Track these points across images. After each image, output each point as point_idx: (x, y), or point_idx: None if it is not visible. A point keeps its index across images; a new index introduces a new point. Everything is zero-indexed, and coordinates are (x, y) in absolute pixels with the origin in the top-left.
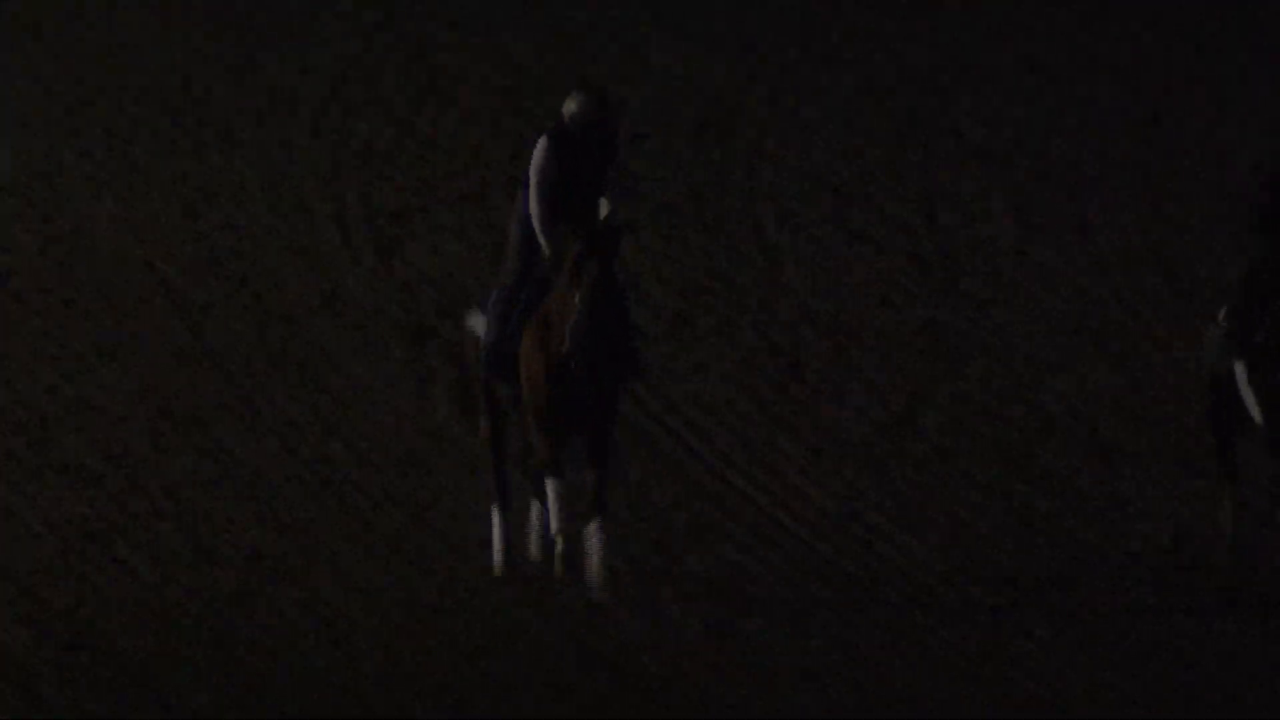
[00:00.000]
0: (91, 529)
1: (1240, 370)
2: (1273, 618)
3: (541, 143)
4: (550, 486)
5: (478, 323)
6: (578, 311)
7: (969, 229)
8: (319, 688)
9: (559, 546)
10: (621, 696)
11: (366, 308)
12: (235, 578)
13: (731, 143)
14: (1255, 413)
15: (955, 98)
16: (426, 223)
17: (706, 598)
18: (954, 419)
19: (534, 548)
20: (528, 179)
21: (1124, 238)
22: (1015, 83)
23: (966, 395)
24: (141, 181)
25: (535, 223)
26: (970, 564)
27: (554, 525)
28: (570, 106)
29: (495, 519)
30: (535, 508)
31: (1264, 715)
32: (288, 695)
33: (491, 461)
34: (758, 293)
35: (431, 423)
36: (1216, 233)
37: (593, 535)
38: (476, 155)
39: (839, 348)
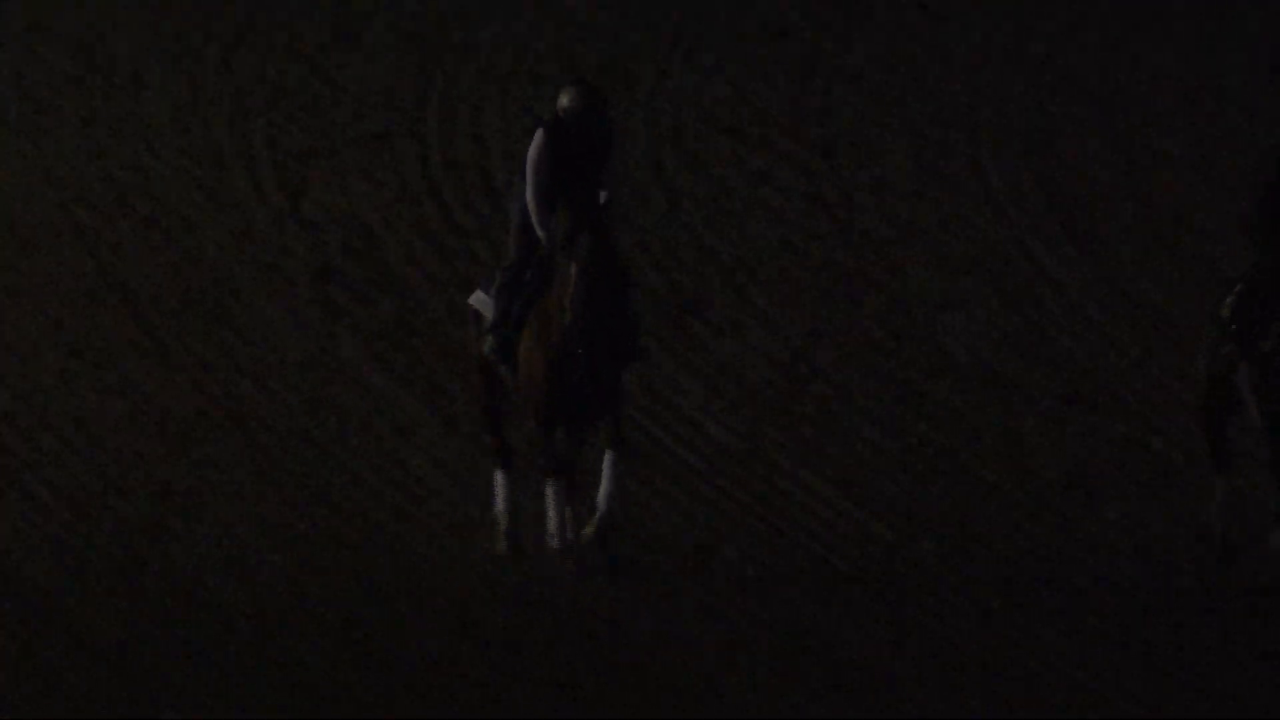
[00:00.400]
0: (2, 464)
1: (1245, 375)
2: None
3: (537, 137)
4: (549, 487)
5: (480, 301)
6: (574, 284)
7: (867, 170)
8: (227, 620)
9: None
10: (515, 621)
11: (274, 247)
12: (146, 512)
13: (633, 86)
14: (1257, 416)
15: (853, 41)
16: (333, 164)
17: (616, 535)
18: (852, 357)
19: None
20: (524, 172)
21: (1018, 178)
22: (912, 26)
23: (864, 333)
24: (51, 122)
25: (532, 216)
26: (868, 498)
27: (551, 526)
28: (563, 100)
29: (498, 477)
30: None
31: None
32: (196, 628)
33: (492, 423)
34: (659, 233)
35: (338, 360)
36: (1107, 173)
37: (608, 465)
38: (383, 97)
39: (739, 287)
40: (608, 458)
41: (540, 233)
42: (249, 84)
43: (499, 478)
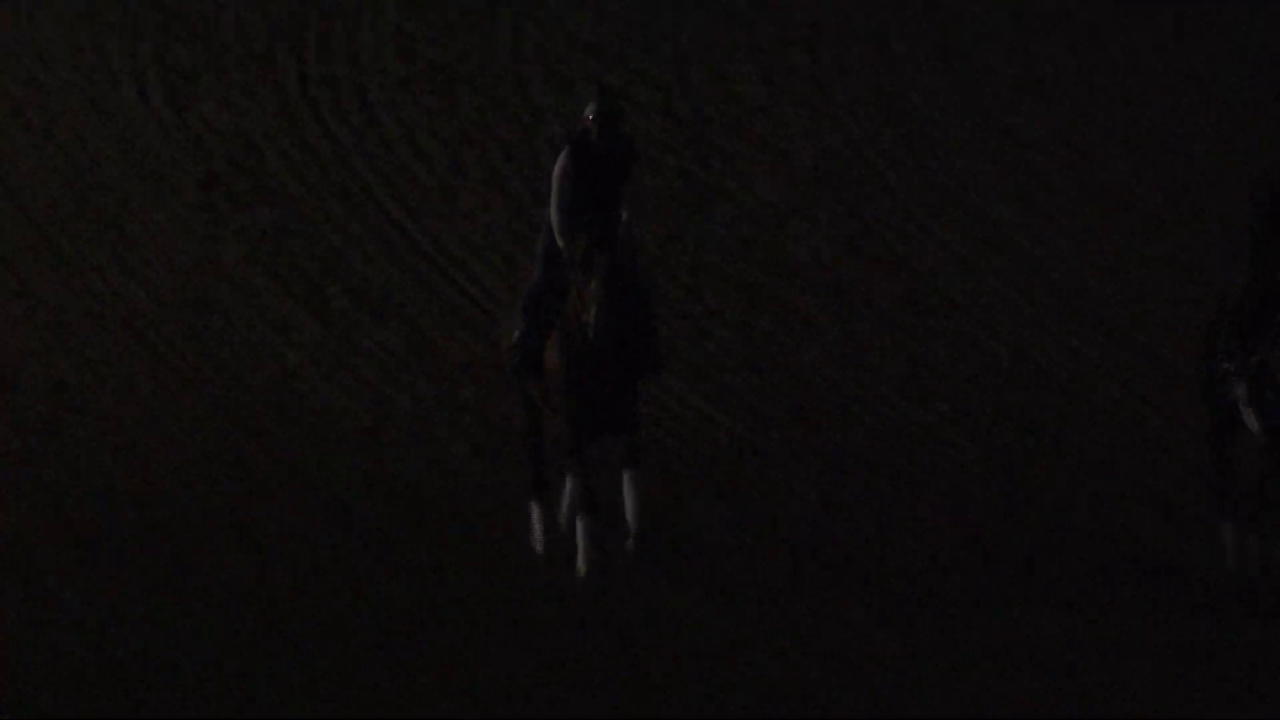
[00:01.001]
0: None
1: (1241, 390)
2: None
3: (563, 154)
4: (569, 484)
5: (511, 325)
6: (596, 297)
7: (718, 86)
8: (118, 508)
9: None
10: (377, 510)
11: (162, 158)
12: (41, 408)
13: (499, 7)
14: (1255, 428)
15: None
16: (218, 80)
17: (482, 430)
18: (703, 261)
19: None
20: (552, 188)
21: (858, 92)
22: None
23: (715, 239)
24: None
25: (555, 228)
26: (717, 394)
27: (563, 519)
28: (589, 115)
29: (533, 509)
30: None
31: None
32: (88, 516)
33: (529, 454)
34: (523, 146)
35: (221, 265)
36: (941, 88)
37: (628, 485)
38: (265, 17)
39: None
40: (627, 477)
41: (561, 243)
42: (139, 5)
43: (534, 510)
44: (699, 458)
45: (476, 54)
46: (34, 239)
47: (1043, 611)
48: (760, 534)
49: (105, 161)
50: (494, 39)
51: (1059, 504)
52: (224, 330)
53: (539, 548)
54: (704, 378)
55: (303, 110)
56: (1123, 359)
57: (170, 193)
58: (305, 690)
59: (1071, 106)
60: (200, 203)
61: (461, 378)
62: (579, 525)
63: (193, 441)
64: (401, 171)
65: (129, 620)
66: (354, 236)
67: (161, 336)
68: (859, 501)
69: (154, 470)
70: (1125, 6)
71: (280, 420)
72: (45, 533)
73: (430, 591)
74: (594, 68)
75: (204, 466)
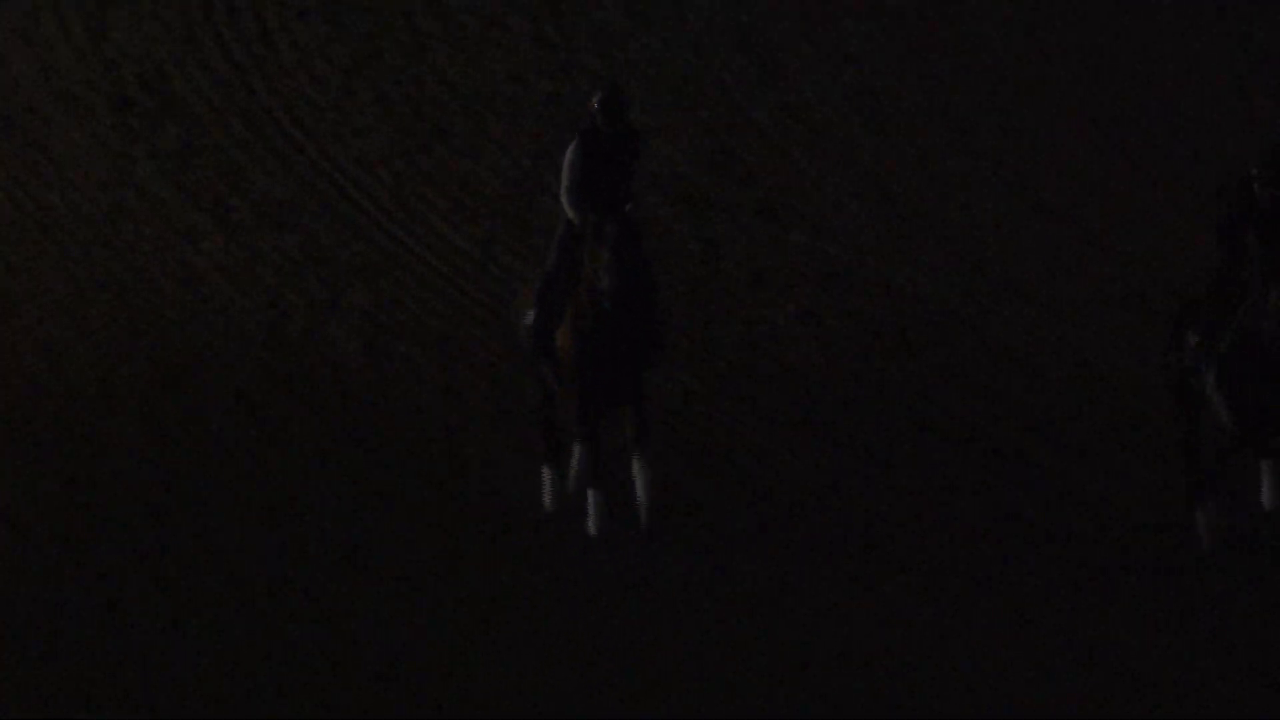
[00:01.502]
0: None
1: (1210, 379)
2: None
3: (572, 143)
4: (578, 451)
5: (524, 309)
6: (609, 263)
7: (591, 15)
8: (40, 400)
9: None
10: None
11: (79, 80)
12: None
13: None
14: (1224, 416)
15: None
16: (130, 10)
17: (369, 328)
18: None
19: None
20: (562, 172)
21: (714, 21)
22: None
23: None
24: None
25: (565, 206)
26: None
27: (573, 484)
28: (594, 106)
29: (546, 477)
30: (575, 456)
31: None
32: (12, 407)
33: (542, 426)
34: (409, 69)
35: (133, 179)
36: (791, 10)
37: (638, 471)
38: None
39: (477, 116)
40: (636, 463)
41: (573, 216)
42: None
43: (546, 473)
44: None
45: None
46: None
47: (870, 486)
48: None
49: (28, 85)
50: None
51: (898, 397)
52: (135, 238)
53: (550, 507)
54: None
55: (208, 37)
56: (956, 265)
57: (87, 113)
58: (208, 561)
59: (914, 31)
60: (114, 122)
61: (353, 281)
62: (589, 497)
63: (107, 339)
64: (298, 93)
65: (48, 503)
66: (255, 153)
67: (79, 244)
68: (713, 393)
69: (72, 365)
70: None
71: (187, 320)
72: None
73: (321, 473)
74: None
75: (117, 362)
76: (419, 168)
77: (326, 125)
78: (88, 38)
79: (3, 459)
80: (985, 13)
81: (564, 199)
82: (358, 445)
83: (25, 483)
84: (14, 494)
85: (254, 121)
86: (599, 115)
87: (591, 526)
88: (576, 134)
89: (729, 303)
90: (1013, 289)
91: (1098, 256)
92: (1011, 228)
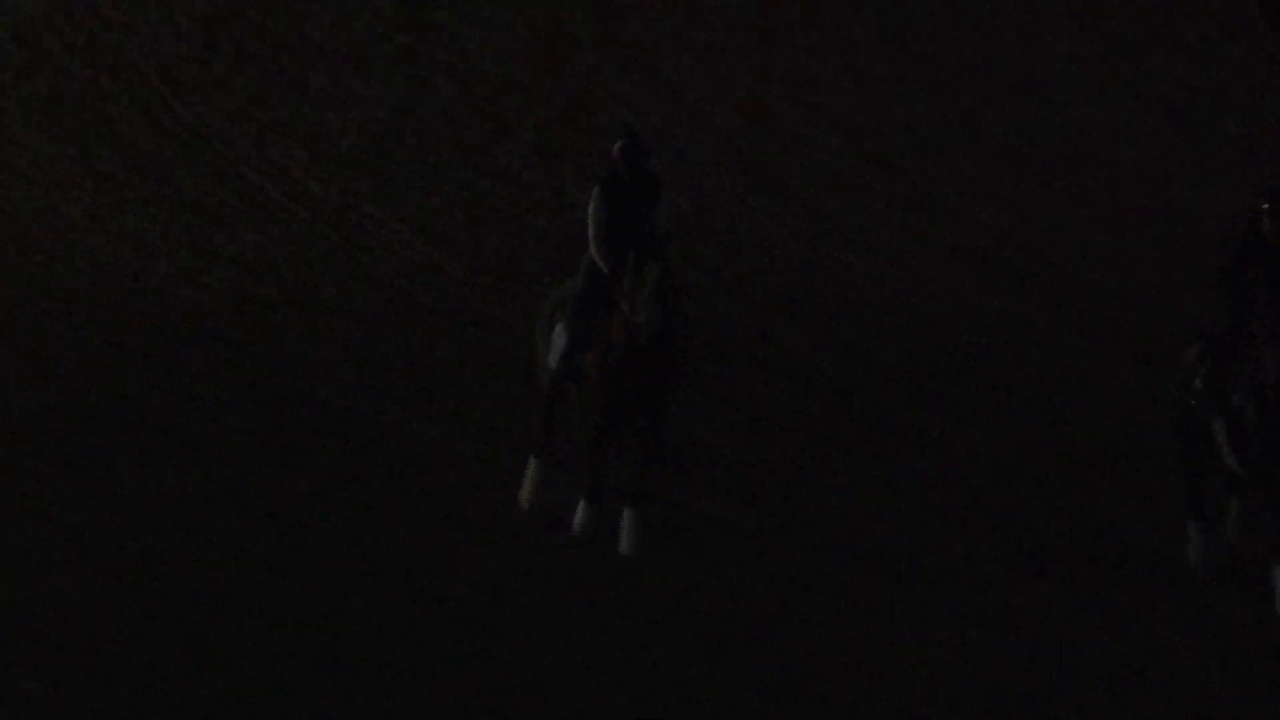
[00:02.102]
0: None
1: (1219, 426)
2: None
3: (595, 190)
4: (583, 507)
5: (553, 330)
6: (648, 304)
7: None
8: None
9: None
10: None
11: None
12: None
13: None
14: (1230, 461)
15: None
16: None
17: (233, 274)
18: (431, 128)
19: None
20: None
21: None
22: None
23: (441, 110)
24: None
25: (595, 256)
26: (439, 239)
27: (577, 529)
28: (615, 154)
29: (531, 465)
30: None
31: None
32: None
33: (541, 423)
34: (271, 27)
35: (7, 131)
36: None
37: (629, 521)
38: None
39: (338, 72)
40: (628, 516)
41: (601, 264)
42: None
43: (532, 463)
44: (427, 296)
45: None
46: None
47: (738, 432)
48: (484, 355)
49: None
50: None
51: (742, 340)
52: (9, 186)
53: (526, 505)
54: (428, 226)
55: None
56: (797, 216)
57: None
58: (92, 486)
59: None
60: None
61: (217, 229)
62: (580, 505)
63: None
64: (163, 47)
65: None
66: (122, 105)
67: None
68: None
69: None
70: None
71: (59, 265)
72: None
73: (191, 413)
74: None
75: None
76: (279, 120)
77: (190, 78)
78: None
79: None
80: None
81: (593, 248)
82: (224, 388)
83: None
84: None
85: (121, 74)
86: (620, 163)
87: (576, 528)
88: (598, 183)
89: (578, 249)
90: (851, 238)
91: (930, 208)
92: (849, 181)
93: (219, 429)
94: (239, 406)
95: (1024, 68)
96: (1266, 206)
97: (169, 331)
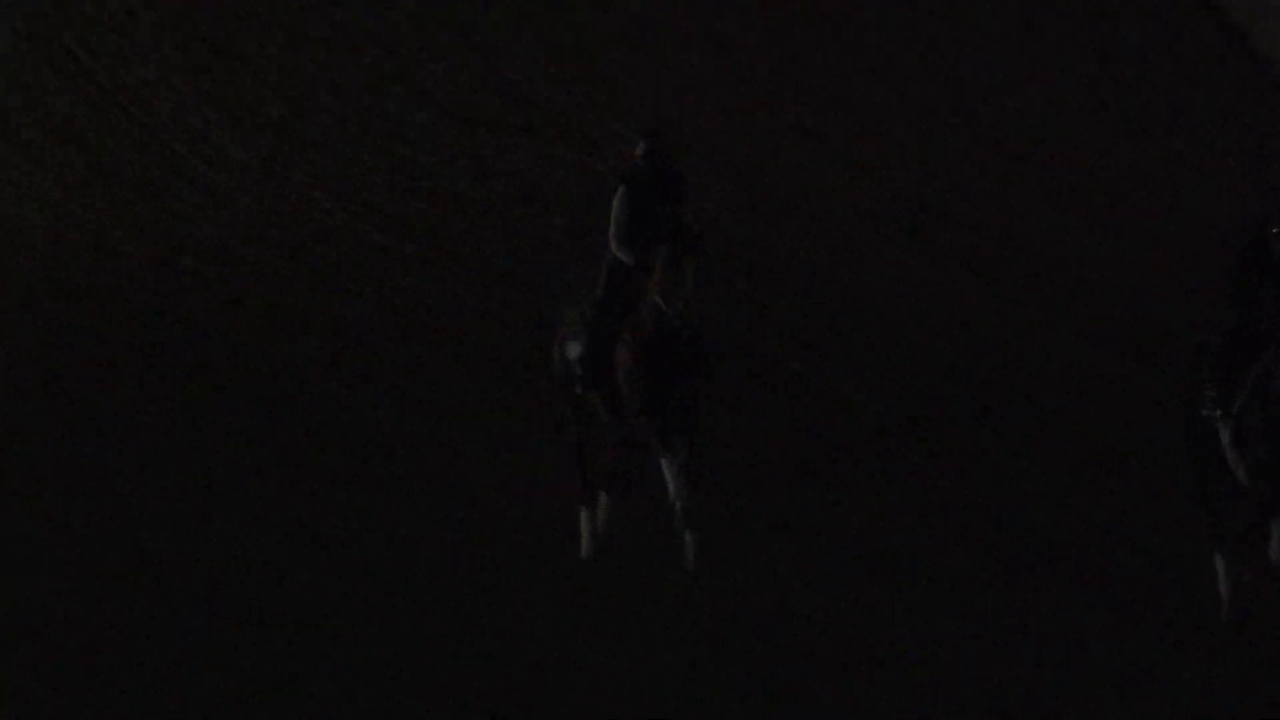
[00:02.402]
0: None
1: (1225, 436)
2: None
3: (620, 189)
4: (594, 505)
5: (571, 345)
6: (686, 293)
7: None
8: None
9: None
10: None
11: None
12: None
13: None
14: (1240, 473)
15: None
16: None
17: (153, 241)
18: (352, 95)
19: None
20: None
21: None
22: None
23: (362, 76)
24: None
25: (616, 248)
26: (353, 202)
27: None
28: (638, 154)
29: (584, 516)
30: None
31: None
32: None
33: (578, 465)
34: None
35: None
36: None
37: (690, 544)
38: None
39: (259, 40)
40: (688, 538)
41: (625, 257)
42: None
43: (584, 516)
44: (335, 253)
45: None
46: None
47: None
48: (406, 326)
49: None
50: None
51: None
52: None
53: (586, 553)
54: (343, 192)
55: None
56: (720, 182)
57: None
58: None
59: None
60: None
61: (137, 195)
62: (601, 498)
63: None
64: (83, 15)
65: None
66: (42, 72)
67: None
68: (483, 300)
69: None
70: None
71: None
72: None
73: (109, 379)
74: None
75: None
76: (200, 86)
77: (111, 45)
78: None
79: None
80: None
81: (614, 243)
82: (144, 355)
83: None
84: None
85: (40, 42)
86: (643, 162)
87: (597, 525)
88: (622, 183)
89: (499, 213)
90: (774, 204)
91: (849, 173)
92: (772, 147)
93: (139, 393)
94: (158, 375)
95: (952, 41)
96: (1277, 230)
97: (86, 299)
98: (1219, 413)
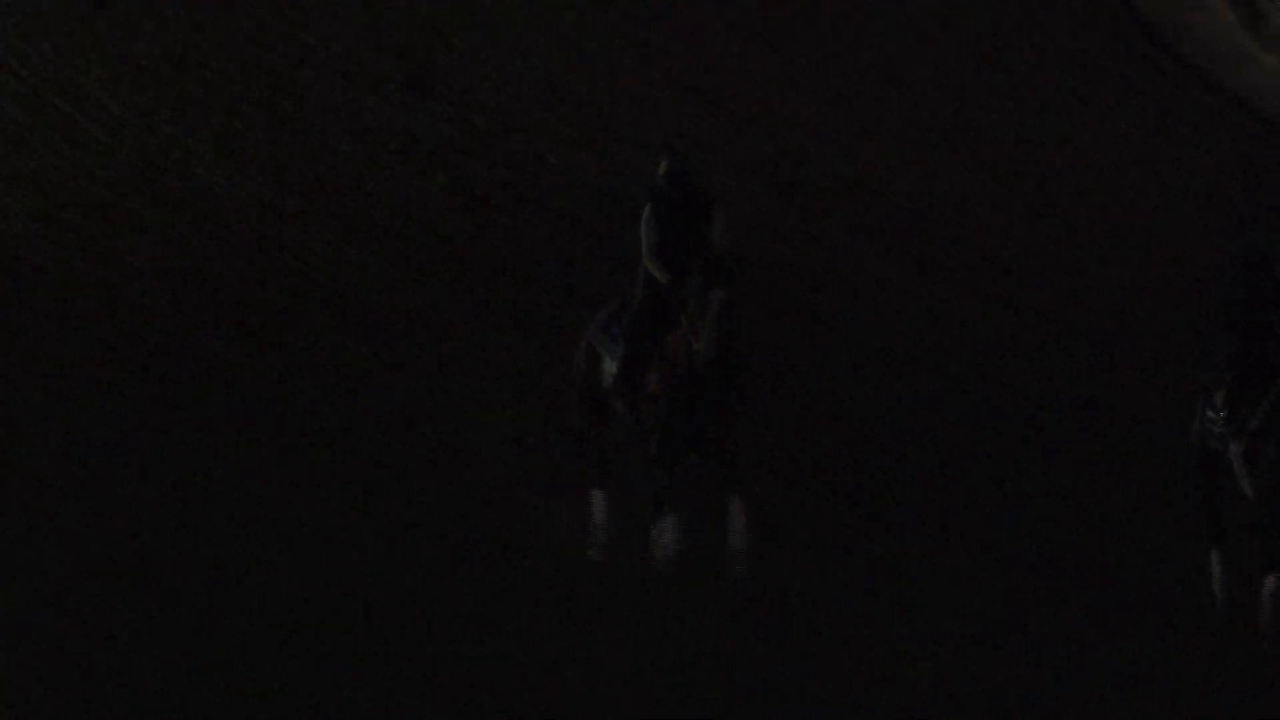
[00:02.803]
0: None
1: (1236, 452)
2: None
3: (646, 207)
4: (661, 520)
5: (599, 339)
6: (710, 331)
7: None
8: None
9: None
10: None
11: None
12: None
13: None
14: (1248, 489)
15: None
16: None
17: (32, 196)
18: (233, 49)
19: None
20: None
21: None
22: None
23: (242, 30)
24: None
25: (651, 267)
26: (248, 161)
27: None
28: (659, 175)
29: (596, 499)
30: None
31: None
32: None
33: (592, 446)
34: None
35: None
36: None
37: (736, 513)
38: None
39: None
40: (736, 506)
41: (660, 275)
42: None
43: (596, 496)
44: (217, 212)
45: None
46: None
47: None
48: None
49: None
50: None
51: (552, 261)
52: None
53: (599, 536)
54: (229, 150)
55: None
56: (599, 139)
57: None
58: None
59: None
60: None
61: (14, 148)
62: (659, 523)
63: None
64: None
65: None
66: None
67: None
68: (364, 254)
69: None
70: None
71: None
72: None
73: (20, 346)
74: None
75: None
76: (78, 40)
77: None
78: None
79: None
80: None
81: (647, 260)
82: (26, 311)
83: None
84: None
85: None
86: (664, 182)
87: (661, 548)
88: (648, 201)
89: (378, 172)
90: (647, 154)
91: (737, 133)
92: (653, 106)
93: (22, 354)
94: (40, 332)
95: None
96: None
97: None
98: (1231, 429)
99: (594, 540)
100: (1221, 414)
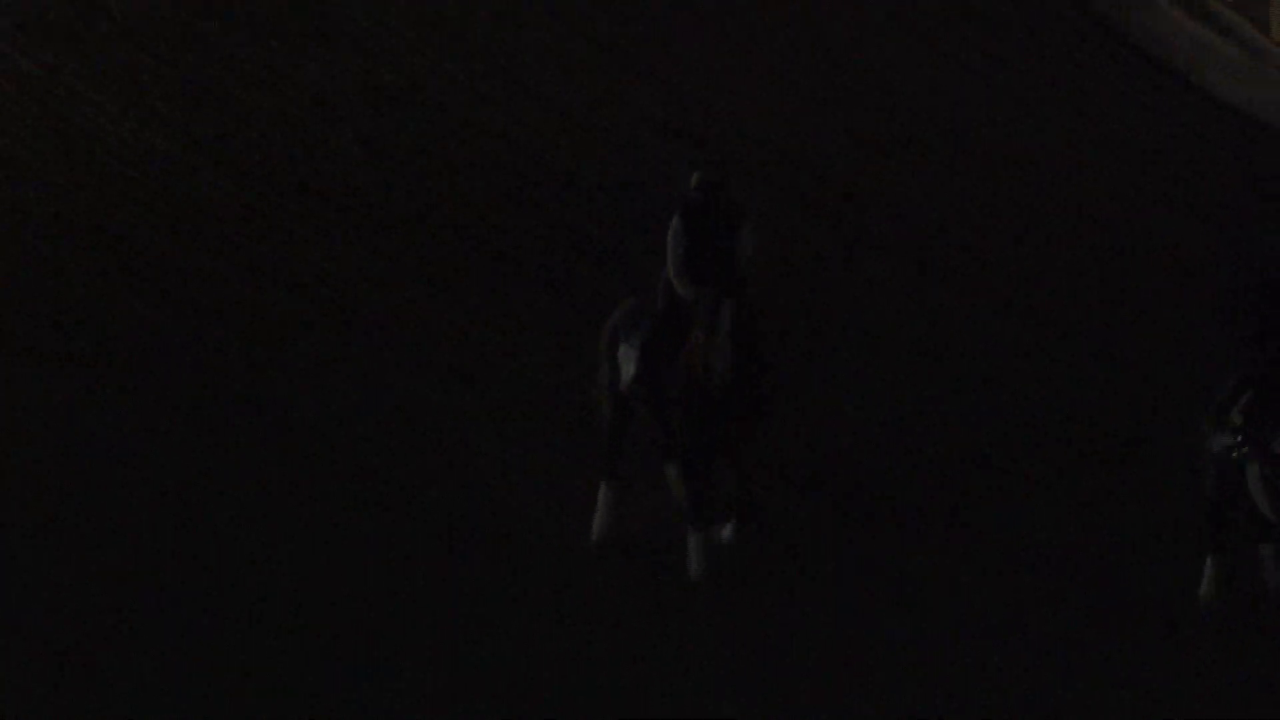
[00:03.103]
0: None
1: (1254, 472)
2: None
3: (674, 219)
4: (693, 539)
5: (619, 351)
6: (723, 350)
7: None
8: None
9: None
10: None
11: None
12: None
13: None
14: (1268, 512)
15: None
16: None
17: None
18: (134, 5)
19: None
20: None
21: None
22: None
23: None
24: None
25: (674, 280)
26: (156, 117)
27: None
28: (693, 183)
29: (602, 494)
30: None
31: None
32: None
33: (609, 444)
34: None
35: None
36: None
37: (727, 534)
38: None
39: None
40: (730, 527)
41: (683, 289)
42: None
43: (603, 489)
44: (132, 170)
45: None
46: None
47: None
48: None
49: None
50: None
51: (474, 225)
52: None
53: (597, 534)
54: (132, 103)
55: None
56: (506, 90)
57: None
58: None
59: None
60: None
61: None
62: (690, 539)
63: None
64: None
65: None
66: None
67: None
68: (274, 210)
69: None
70: None
71: None
72: None
73: None
74: None
75: None
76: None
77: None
78: None
79: None
80: None
81: (672, 273)
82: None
83: None
84: None
85: None
86: (696, 194)
87: (692, 568)
88: (677, 212)
89: (289, 128)
90: (558, 112)
91: (639, 84)
92: (559, 54)
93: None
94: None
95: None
96: None
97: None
98: (1250, 447)
99: (595, 534)
100: (1239, 436)
